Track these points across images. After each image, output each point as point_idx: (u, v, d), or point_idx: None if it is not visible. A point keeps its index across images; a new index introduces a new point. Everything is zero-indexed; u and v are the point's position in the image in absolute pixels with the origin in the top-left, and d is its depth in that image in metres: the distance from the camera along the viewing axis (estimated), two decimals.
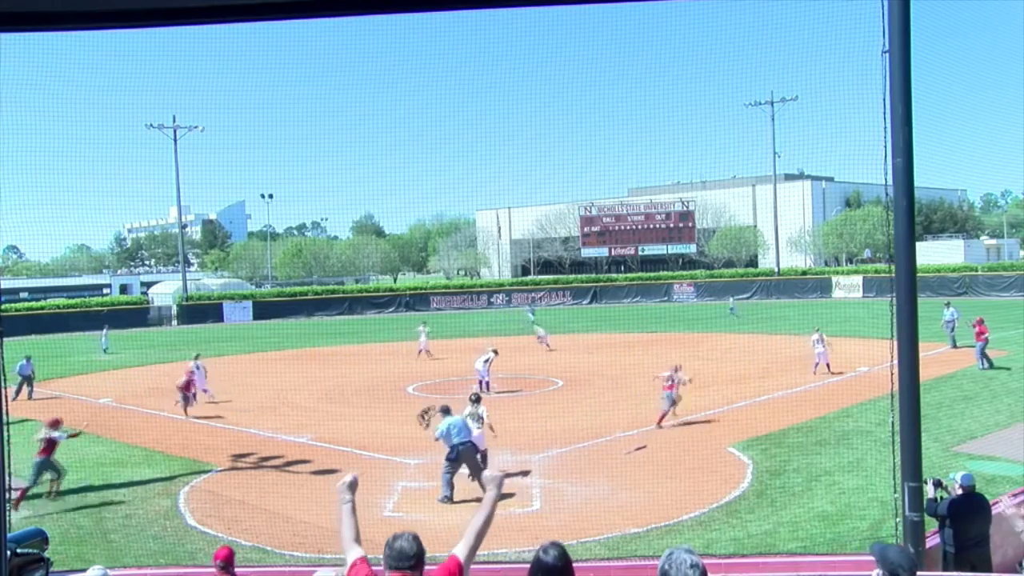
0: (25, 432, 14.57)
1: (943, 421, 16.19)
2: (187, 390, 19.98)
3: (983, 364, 22.58)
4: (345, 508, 4.02)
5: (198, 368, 21.55)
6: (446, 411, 13.16)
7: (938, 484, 7.50)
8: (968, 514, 7.31)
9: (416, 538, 3.81)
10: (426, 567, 3.71)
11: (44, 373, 24.26)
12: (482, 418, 13.82)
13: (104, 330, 37.13)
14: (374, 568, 3.85)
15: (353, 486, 4.11)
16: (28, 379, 22.81)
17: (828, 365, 22.63)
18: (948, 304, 28.78)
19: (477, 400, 14.46)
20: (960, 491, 7.41)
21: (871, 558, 4.58)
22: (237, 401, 21.76)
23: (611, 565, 7.97)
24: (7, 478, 4.34)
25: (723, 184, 69.11)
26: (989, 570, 7.08)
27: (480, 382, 21.10)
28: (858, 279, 52.18)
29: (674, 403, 17.01)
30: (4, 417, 4.54)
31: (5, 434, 4.49)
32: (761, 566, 7.68)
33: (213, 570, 7.26)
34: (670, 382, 17.07)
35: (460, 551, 3.71)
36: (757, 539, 10.18)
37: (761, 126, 56.80)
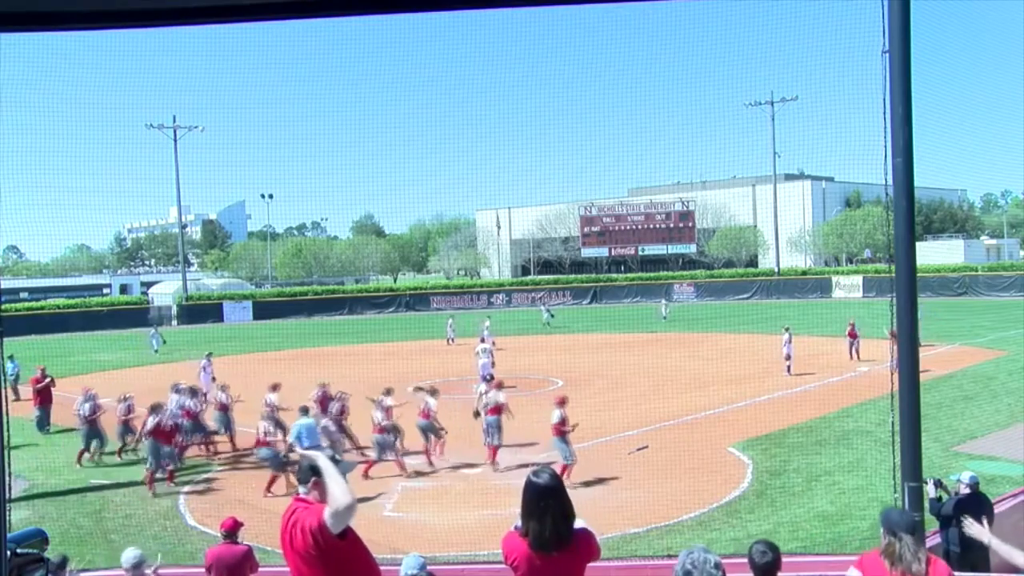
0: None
1: (943, 421, 16.19)
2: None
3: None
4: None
5: (204, 370, 21.49)
6: (304, 412, 13.40)
7: (938, 484, 7.49)
8: (974, 514, 7.30)
9: (310, 462, 3.81)
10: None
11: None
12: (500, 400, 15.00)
13: (154, 330, 36.31)
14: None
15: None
16: (17, 378, 22.61)
17: (789, 368, 23.34)
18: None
19: (490, 379, 16.03)
20: (967, 490, 7.40)
21: None
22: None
23: (611, 565, 7.96)
24: (7, 478, 4.33)
25: (723, 184, 69.04)
26: (988, 570, 7.08)
27: (483, 377, 21.19)
28: (858, 279, 52.14)
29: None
30: (4, 417, 4.53)
31: (5, 434, 4.48)
32: None
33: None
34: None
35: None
36: (757, 539, 10.17)
37: (761, 126, 56.83)
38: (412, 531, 11.19)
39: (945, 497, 7.43)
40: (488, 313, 41.22)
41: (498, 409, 14.80)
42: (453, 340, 33.52)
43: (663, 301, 46.45)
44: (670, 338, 33.67)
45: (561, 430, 13.24)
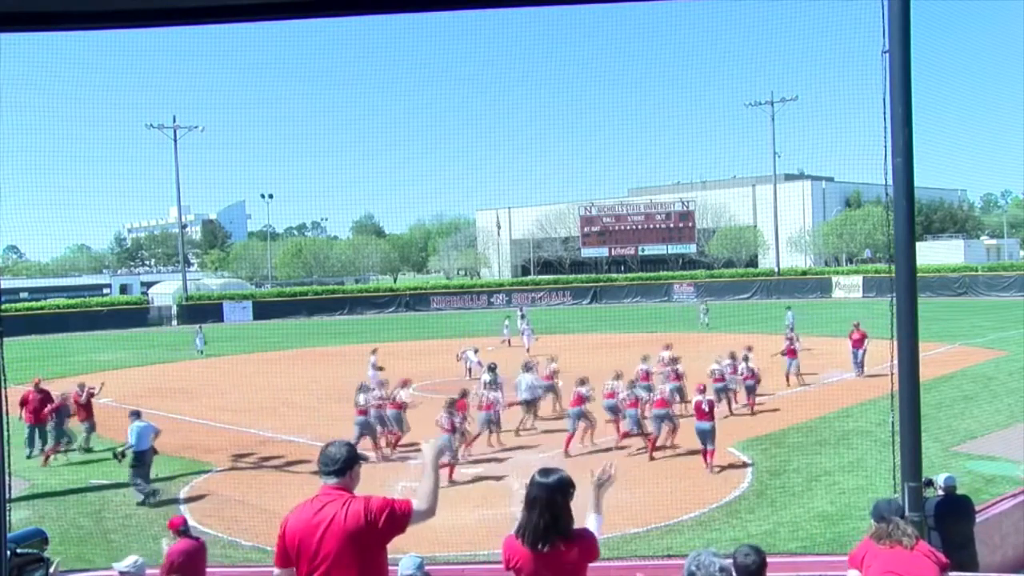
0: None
1: (943, 421, 16.19)
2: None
3: (858, 372, 21.56)
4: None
5: (372, 366, 21.18)
6: (136, 415, 13.38)
7: (928, 483, 7.45)
8: (951, 516, 7.25)
9: (347, 445, 3.97)
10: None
11: (45, 374, 24.20)
12: (499, 384, 15.99)
13: (199, 328, 35.71)
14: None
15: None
16: None
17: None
18: (789, 308, 28.90)
19: (494, 368, 16.85)
20: (941, 493, 7.37)
21: None
22: (237, 401, 21.78)
23: (611, 565, 7.96)
24: (7, 478, 4.33)
25: (723, 184, 69.02)
26: (976, 570, 7.05)
27: (488, 367, 21.33)
28: (858, 279, 52.13)
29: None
30: (4, 417, 4.53)
31: (5, 434, 4.49)
32: None
33: (211, 571, 7.29)
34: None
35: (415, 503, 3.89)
36: (757, 539, 10.16)
37: (761, 126, 56.79)
38: (410, 530, 11.17)
39: (933, 494, 7.40)
40: (529, 310, 40.74)
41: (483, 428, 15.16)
42: (509, 341, 33.60)
43: (702, 307, 41.60)
44: (670, 338, 33.56)
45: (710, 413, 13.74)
